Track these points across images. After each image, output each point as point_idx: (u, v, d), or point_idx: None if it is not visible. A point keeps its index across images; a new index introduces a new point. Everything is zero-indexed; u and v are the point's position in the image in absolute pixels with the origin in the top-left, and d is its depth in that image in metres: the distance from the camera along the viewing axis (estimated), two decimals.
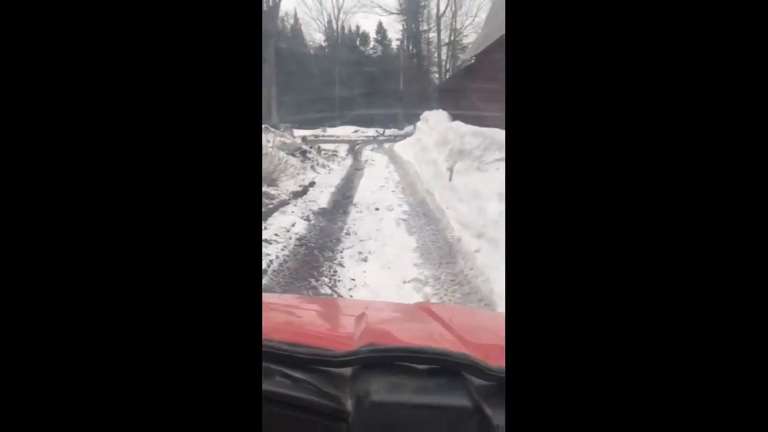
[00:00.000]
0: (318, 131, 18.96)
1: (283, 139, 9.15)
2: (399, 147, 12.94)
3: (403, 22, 25.01)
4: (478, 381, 0.49)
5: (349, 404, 0.46)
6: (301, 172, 7.44)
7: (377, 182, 7.55)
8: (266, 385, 0.46)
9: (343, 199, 6.19)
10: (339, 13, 26.69)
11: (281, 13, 25.04)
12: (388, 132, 20.92)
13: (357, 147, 14.21)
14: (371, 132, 20.34)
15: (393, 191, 6.77)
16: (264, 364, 0.47)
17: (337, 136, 17.51)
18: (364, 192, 6.72)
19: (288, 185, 6.26)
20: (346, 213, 5.43)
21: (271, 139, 8.43)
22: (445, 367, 0.49)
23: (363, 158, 11.31)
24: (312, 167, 8.39)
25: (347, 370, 0.50)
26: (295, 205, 5.46)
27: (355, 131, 20.32)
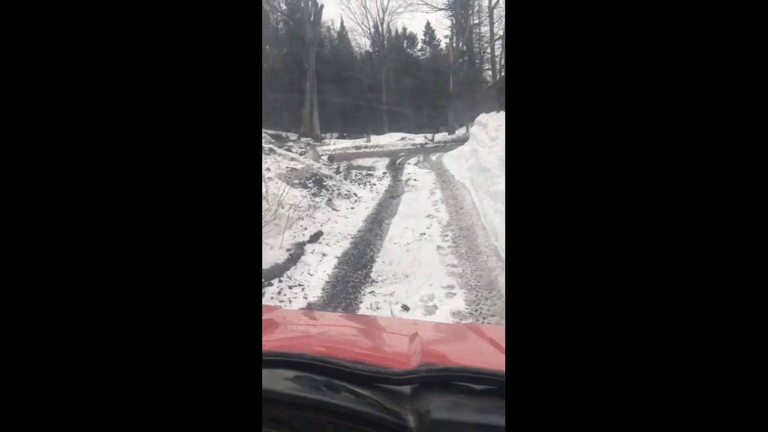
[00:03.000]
0: (361, 141, 16.51)
1: (293, 163, 6.59)
2: (449, 159, 10.09)
3: (452, 18, 21.90)
4: None
5: (410, 420, 0.45)
6: (305, 215, 4.87)
7: (416, 224, 4.82)
8: (333, 399, 0.45)
9: (355, 271, 3.53)
10: (384, 14, 24.14)
11: (326, 21, 23.05)
12: (437, 137, 18.05)
13: (399, 161, 11.44)
14: (419, 139, 17.50)
15: (439, 247, 4.01)
16: (329, 379, 0.48)
17: (381, 146, 14.85)
18: (393, 250, 4.02)
19: (270, 250, 3.71)
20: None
21: (272, 167, 5.92)
22: (502, 388, 0.45)
23: (404, 176, 8.57)
24: (329, 201, 5.80)
25: (406, 388, 0.49)
26: None
27: (402, 139, 17.56)
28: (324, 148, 13.73)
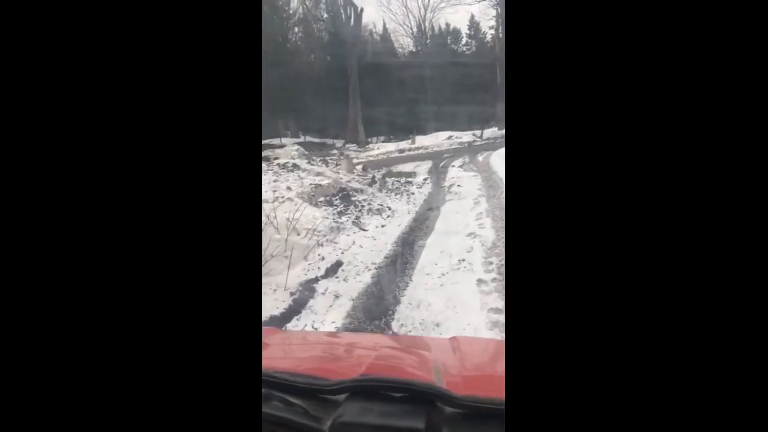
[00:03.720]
0: (406, 143, 15.72)
1: (319, 178, 5.95)
2: (498, 158, 9.03)
3: (497, 7, 20.46)
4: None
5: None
6: (325, 240, 4.19)
7: (455, 245, 3.97)
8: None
9: (371, 321, 2.77)
10: (426, 12, 23.18)
11: (367, 24, 22.53)
12: (487, 133, 16.83)
13: (443, 163, 10.49)
14: (467, 137, 16.38)
15: (480, 281, 3.14)
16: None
17: (425, 147, 13.96)
18: (423, 285, 3.21)
19: (272, 293, 3.04)
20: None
21: (294, 185, 5.30)
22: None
23: (447, 182, 7.67)
24: (356, 219, 5.08)
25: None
26: None
27: (448, 137, 16.54)
28: (367, 153, 13.10)
